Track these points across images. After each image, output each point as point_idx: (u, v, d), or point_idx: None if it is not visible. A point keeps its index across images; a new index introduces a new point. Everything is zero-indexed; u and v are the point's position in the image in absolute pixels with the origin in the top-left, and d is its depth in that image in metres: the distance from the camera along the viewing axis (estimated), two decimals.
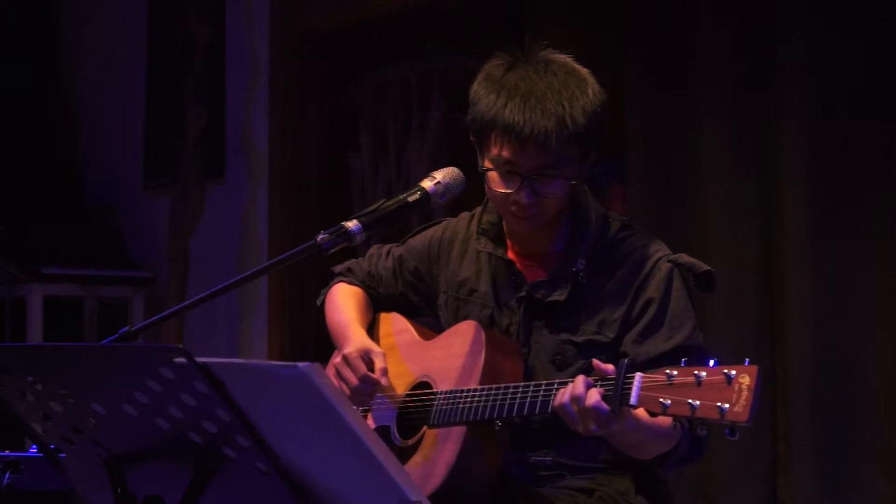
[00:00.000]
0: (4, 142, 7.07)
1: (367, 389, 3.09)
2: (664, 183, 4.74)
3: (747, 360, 2.61)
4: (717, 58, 4.59)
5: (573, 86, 3.01)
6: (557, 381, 2.85)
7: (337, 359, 3.14)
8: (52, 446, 2.64)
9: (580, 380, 2.77)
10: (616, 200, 4.87)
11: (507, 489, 3.04)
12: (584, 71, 3.07)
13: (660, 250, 3.10)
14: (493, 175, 3.04)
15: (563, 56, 3.08)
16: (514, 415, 2.89)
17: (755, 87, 4.51)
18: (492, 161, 3.03)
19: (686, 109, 4.68)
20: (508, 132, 2.98)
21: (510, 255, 3.16)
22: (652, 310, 3.03)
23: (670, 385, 2.63)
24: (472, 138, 3.13)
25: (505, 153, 3.00)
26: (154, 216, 6.92)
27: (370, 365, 3.11)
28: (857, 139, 4.30)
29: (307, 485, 2.39)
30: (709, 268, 3.05)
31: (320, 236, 2.87)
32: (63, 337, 6.48)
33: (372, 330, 3.32)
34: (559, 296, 3.06)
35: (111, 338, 2.72)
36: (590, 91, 3.02)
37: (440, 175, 3.02)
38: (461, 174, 3.04)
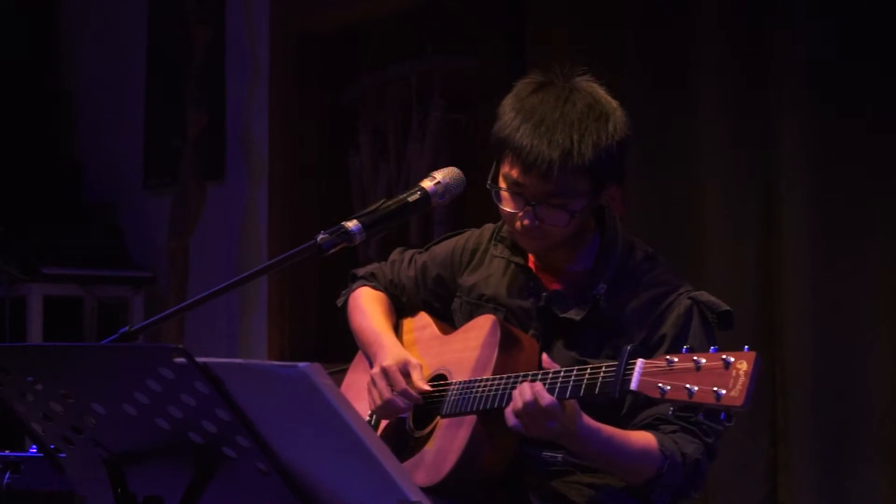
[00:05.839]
0: (4, 141, 7.07)
1: (404, 405, 3.09)
2: (664, 183, 4.74)
3: (746, 346, 2.64)
4: (717, 57, 4.59)
5: (590, 119, 3.01)
6: (576, 368, 2.85)
7: (375, 369, 3.13)
8: (52, 446, 2.64)
9: (525, 386, 2.83)
10: (615, 201, 4.85)
11: (518, 479, 3.06)
12: (612, 104, 3.06)
13: (682, 286, 3.11)
14: (503, 193, 3.08)
15: (593, 85, 3.08)
16: None
17: (755, 87, 4.51)
18: (504, 178, 3.07)
19: (685, 109, 4.68)
20: (516, 154, 3.01)
21: (529, 264, 3.18)
22: (667, 345, 3.03)
23: (670, 370, 2.66)
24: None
25: (514, 174, 3.03)
26: (154, 216, 6.92)
27: (408, 378, 3.10)
28: (856, 139, 4.30)
29: (307, 485, 2.39)
30: (728, 307, 3.07)
31: (320, 236, 2.87)
32: (63, 337, 6.48)
33: (396, 327, 3.33)
34: (575, 315, 3.08)
35: (111, 338, 2.72)
36: (609, 126, 3.02)
37: (440, 175, 3.03)
38: (461, 174, 3.04)
